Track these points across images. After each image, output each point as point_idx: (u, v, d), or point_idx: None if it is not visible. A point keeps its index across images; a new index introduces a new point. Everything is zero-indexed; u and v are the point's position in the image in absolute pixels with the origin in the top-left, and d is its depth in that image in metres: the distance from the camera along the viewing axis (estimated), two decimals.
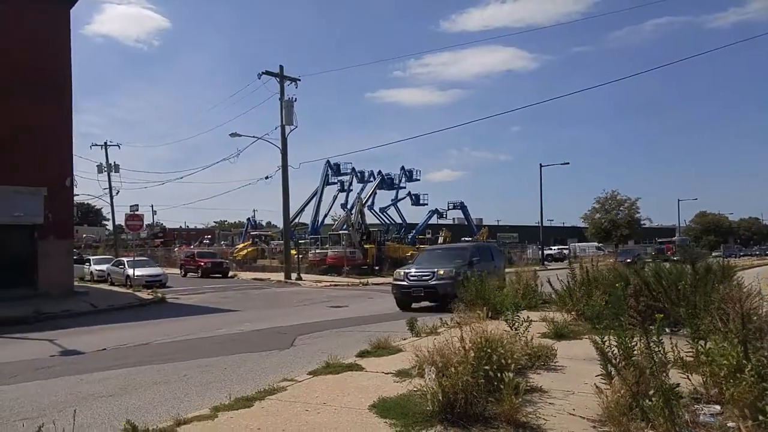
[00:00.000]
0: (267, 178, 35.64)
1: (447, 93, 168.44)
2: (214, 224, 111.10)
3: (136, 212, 29.46)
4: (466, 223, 64.32)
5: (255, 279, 34.97)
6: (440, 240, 52.54)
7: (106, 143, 49.80)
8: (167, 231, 76.84)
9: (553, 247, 65.88)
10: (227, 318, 16.02)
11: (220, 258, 41.02)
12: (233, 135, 32.89)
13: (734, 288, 5.97)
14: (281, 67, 31.70)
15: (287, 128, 31.49)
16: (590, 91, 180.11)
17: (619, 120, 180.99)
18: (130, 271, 27.86)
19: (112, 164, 48.79)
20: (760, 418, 4.47)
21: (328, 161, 50.58)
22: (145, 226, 57.87)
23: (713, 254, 42.68)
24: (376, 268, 36.72)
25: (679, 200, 79.14)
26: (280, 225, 39.98)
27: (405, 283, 16.97)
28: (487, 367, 5.00)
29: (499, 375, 5.05)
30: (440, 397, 4.92)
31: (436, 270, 16.57)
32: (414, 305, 16.78)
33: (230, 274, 38.24)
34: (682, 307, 6.92)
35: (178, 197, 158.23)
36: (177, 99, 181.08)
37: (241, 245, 52.09)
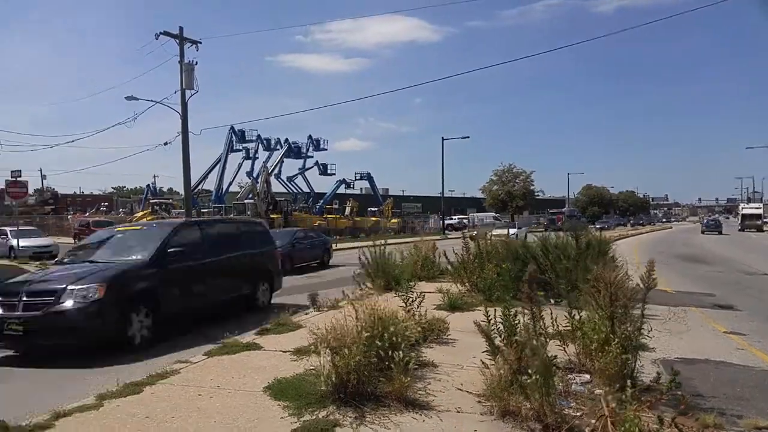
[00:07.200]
0: (166, 144, 33.97)
1: (351, 61, 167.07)
2: (112, 190, 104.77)
3: (18, 178, 26.65)
4: (372, 193, 64.90)
5: None
6: (347, 211, 52.73)
7: None
8: (59, 197, 71.08)
9: (453, 217, 68.01)
10: None
11: None
12: (129, 98, 30.91)
13: (608, 266, 6.50)
14: (181, 29, 29.83)
15: (187, 93, 30.03)
16: (489, 68, 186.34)
17: (516, 95, 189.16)
18: (14, 242, 25.69)
19: None
20: (626, 384, 4.94)
21: (232, 127, 49.07)
22: (33, 191, 53.12)
23: (596, 225, 46.32)
24: None
25: (568, 174, 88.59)
26: (182, 192, 38.33)
27: None
28: (378, 346, 5.14)
29: (389, 354, 5.20)
30: (333, 378, 5.00)
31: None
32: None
33: None
34: (561, 284, 7.45)
35: (69, 161, 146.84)
36: (67, 57, 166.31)
37: (140, 213, 49.70)
